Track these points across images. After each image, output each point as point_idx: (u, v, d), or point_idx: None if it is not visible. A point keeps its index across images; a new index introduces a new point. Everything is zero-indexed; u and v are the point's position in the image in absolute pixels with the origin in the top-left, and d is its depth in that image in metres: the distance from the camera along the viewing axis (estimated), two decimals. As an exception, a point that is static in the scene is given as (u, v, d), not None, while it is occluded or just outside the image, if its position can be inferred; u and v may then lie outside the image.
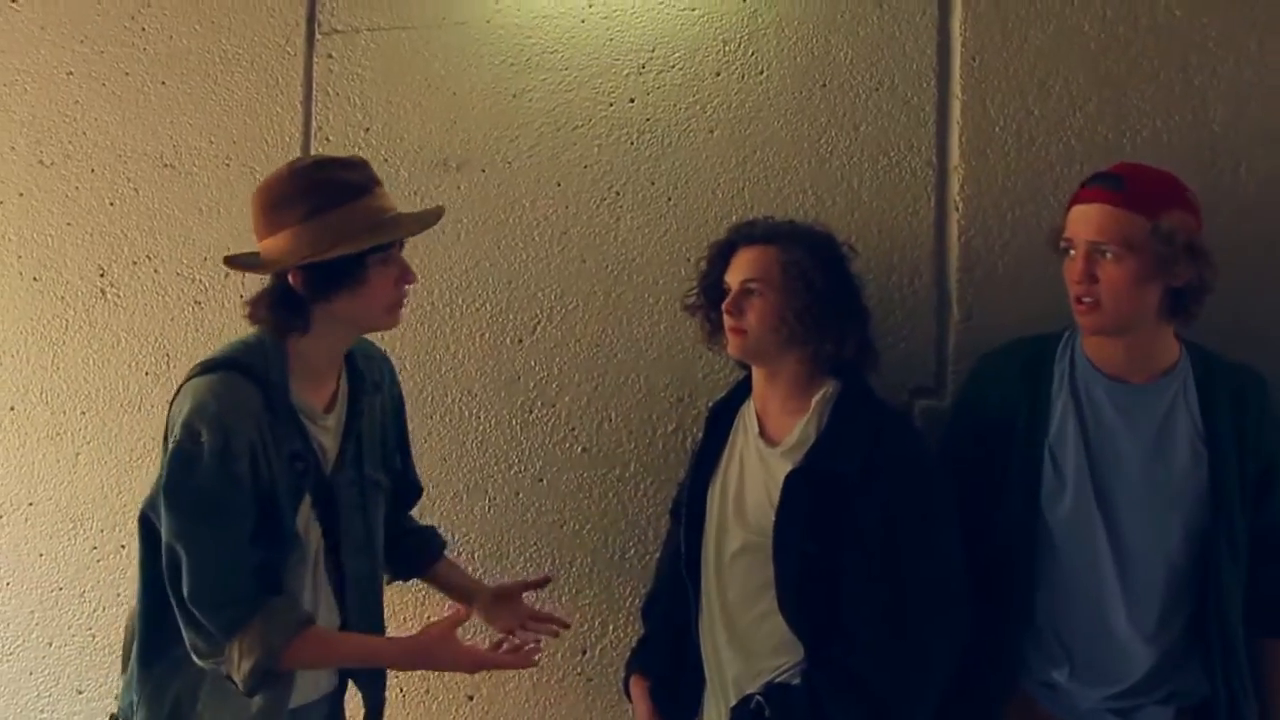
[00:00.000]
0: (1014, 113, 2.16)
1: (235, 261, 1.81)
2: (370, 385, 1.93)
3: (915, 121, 2.22)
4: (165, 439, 1.71)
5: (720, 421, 2.04)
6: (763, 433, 1.95)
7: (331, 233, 1.69)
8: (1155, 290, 1.75)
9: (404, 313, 1.83)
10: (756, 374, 2.00)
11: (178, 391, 1.73)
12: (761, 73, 2.30)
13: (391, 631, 2.43)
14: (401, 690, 2.49)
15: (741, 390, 2.05)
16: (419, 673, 2.48)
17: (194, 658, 1.70)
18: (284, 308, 1.74)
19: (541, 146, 2.43)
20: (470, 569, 2.44)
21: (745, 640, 1.89)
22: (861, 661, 1.76)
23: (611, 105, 2.39)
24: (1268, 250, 2.04)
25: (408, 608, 2.49)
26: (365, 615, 1.89)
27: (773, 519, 1.84)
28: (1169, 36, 2.10)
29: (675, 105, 2.35)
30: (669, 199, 2.34)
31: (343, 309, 1.75)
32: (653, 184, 2.36)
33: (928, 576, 1.77)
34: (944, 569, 1.78)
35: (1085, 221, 1.76)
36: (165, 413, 1.76)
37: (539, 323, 2.42)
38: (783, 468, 1.87)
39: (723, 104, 2.32)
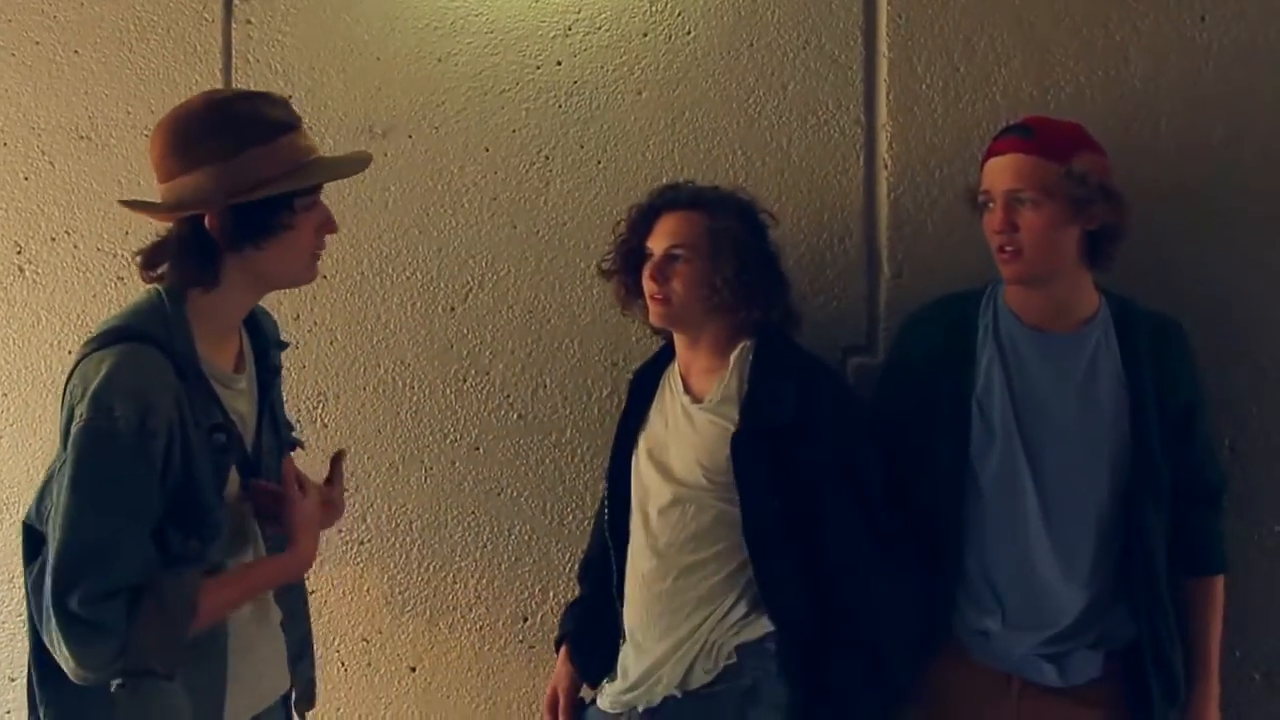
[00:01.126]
0: (940, 70, 2.17)
1: (141, 205, 1.61)
2: (275, 341, 1.79)
3: (843, 80, 2.22)
4: (65, 425, 1.49)
5: (643, 386, 2.06)
6: (688, 390, 1.98)
7: (258, 171, 1.51)
8: (1073, 234, 1.80)
9: (319, 267, 1.68)
10: (678, 339, 2.01)
11: (73, 369, 1.52)
12: (689, 33, 2.29)
13: (334, 605, 2.43)
14: (343, 664, 2.47)
15: (664, 355, 2.07)
16: (360, 646, 2.47)
17: (88, 680, 1.46)
18: (194, 256, 1.54)
19: (468, 111, 2.39)
20: (409, 539, 2.43)
21: (669, 595, 1.92)
22: (851, 603, 1.84)
23: (538, 68, 2.36)
24: (1186, 201, 2.08)
25: (346, 581, 2.46)
26: (289, 585, 1.79)
27: (705, 475, 1.89)
28: (1090, -8, 2.12)
29: (603, 67, 2.33)
30: (599, 162, 2.33)
31: (261, 260, 1.57)
32: (582, 147, 2.34)
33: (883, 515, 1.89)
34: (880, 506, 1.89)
35: (1001, 172, 1.80)
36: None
37: (470, 290, 2.40)
38: (707, 421, 1.92)
39: (650, 65, 2.30)
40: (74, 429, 1.46)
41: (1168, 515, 1.87)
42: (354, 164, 1.68)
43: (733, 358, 1.95)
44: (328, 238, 1.66)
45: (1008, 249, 1.79)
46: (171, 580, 1.49)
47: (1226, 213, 2.06)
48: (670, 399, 2.01)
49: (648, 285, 1.95)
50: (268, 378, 1.75)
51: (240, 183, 1.51)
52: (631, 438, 2.03)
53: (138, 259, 1.60)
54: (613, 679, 1.99)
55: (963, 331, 1.91)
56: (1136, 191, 1.93)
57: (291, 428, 1.93)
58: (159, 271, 1.58)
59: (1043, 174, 1.76)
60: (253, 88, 2.48)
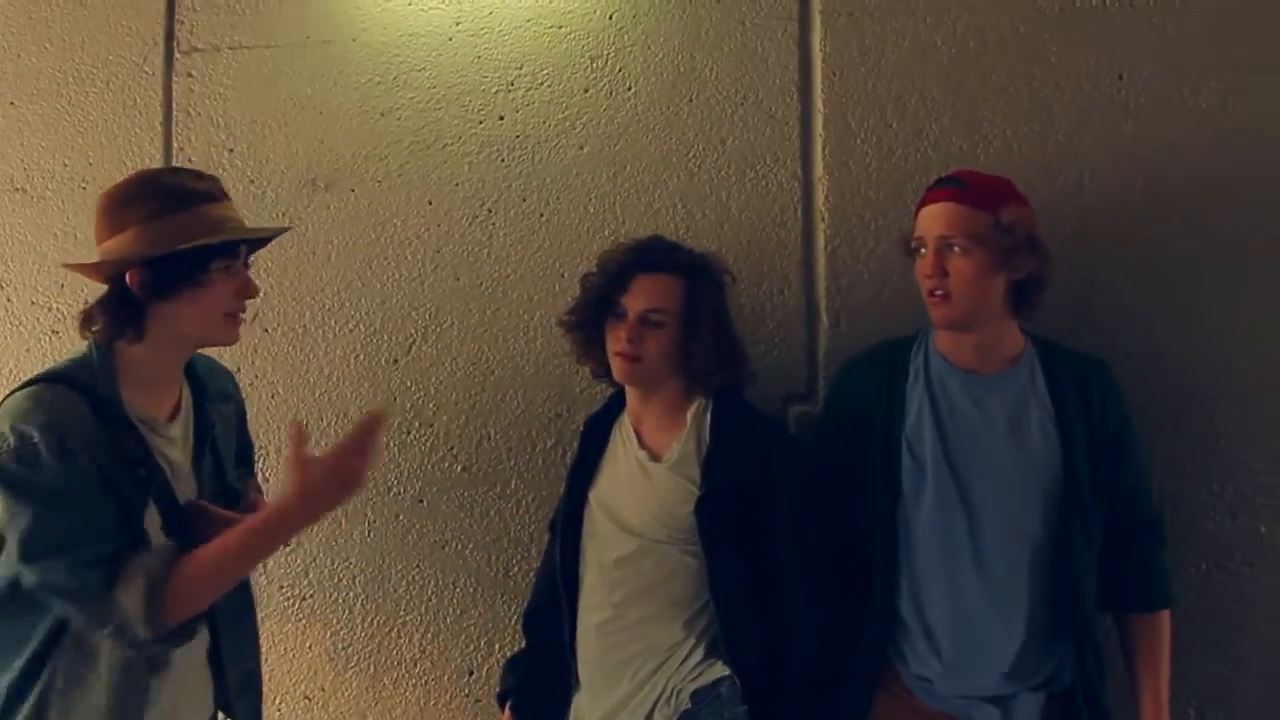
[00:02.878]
0: (874, 125, 2.24)
1: (75, 267, 1.74)
2: (217, 394, 1.88)
3: (780, 135, 2.27)
4: None
5: (595, 435, 2.07)
6: (643, 445, 2.00)
7: (175, 232, 1.65)
8: (1000, 282, 1.86)
9: (242, 330, 1.78)
10: (632, 392, 2.03)
11: None
12: (629, 89, 2.33)
13: (275, 663, 2.39)
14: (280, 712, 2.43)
15: (616, 404, 2.08)
16: (302, 704, 2.43)
17: (87, 636, 1.62)
18: (118, 310, 1.67)
19: (411, 165, 2.41)
20: (352, 594, 2.41)
21: (625, 643, 1.93)
22: (800, 648, 1.89)
23: (481, 123, 2.39)
24: (1109, 249, 2.15)
25: (288, 638, 2.43)
26: (235, 621, 1.84)
27: (664, 530, 1.92)
28: (1015, 52, 2.20)
29: (545, 122, 2.36)
30: (541, 215, 2.35)
31: (179, 315, 1.69)
32: (524, 201, 2.36)
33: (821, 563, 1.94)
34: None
35: (934, 219, 1.86)
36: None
37: (414, 342, 2.40)
38: (667, 479, 1.95)
39: (592, 120, 2.34)
40: (1, 461, 1.57)
41: (1098, 553, 1.90)
42: (267, 230, 1.82)
43: (690, 416, 1.98)
44: (261, 289, 1.79)
45: (937, 293, 1.86)
46: (145, 553, 1.61)
47: (1150, 260, 2.14)
48: (624, 451, 2.02)
49: (619, 344, 1.95)
50: (204, 430, 1.81)
51: (158, 241, 1.65)
52: (584, 487, 2.03)
53: (78, 316, 1.71)
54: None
55: (895, 376, 1.96)
56: (1063, 240, 2.01)
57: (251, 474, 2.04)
58: (93, 328, 1.69)
59: (973, 223, 1.83)
60: (194, 140, 2.49)
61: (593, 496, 2.01)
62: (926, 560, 1.88)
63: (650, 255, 1.99)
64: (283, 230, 1.86)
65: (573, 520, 2.02)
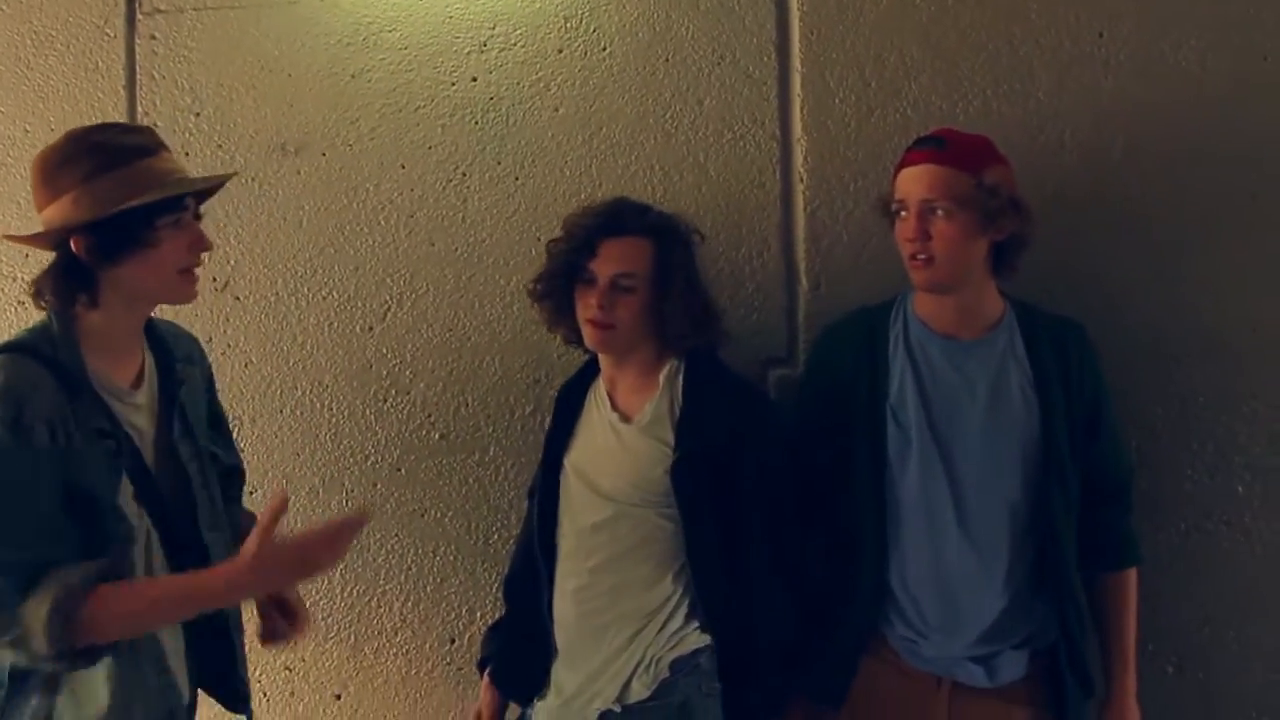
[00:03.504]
0: (852, 84, 2.21)
1: (19, 238, 1.70)
2: (182, 357, 1.83)
3: (758, 95, 2.24)
4: None
5: (570, 401, 2.05)
6: (615, 408, 1.99)
7: (115, 191, 1.59)
8: (982, 244, 1.85)
9: (198, 287, 1.72)
10: (604, 357, 2.01)
11: None
12: (604, 49, 2.29)
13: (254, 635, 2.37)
14: (265, 694, 2.41)
15: (590, 369, 2.06)
16: (282, 675, 2.42)
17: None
18: (68, 278, 1.62)
19: (383, 128, 2.36)
20: (330, 565, 2.39)
21: (602, 610, 1.92)
22: (767, 612, 1.90)
23: (454, 84, 2.34)
24: (1091, 209, 2.14)
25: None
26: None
27: (638, 493, 1.90)
28: (994, 9, 2.17)
29: (519, 83, 2.32)
30: (516, 178, 2.31)
31: (131, 277, 1.64)
32: (499, 164, 2.32)
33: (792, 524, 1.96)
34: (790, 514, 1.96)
35: (915, 181, 1.83)
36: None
37: (389, 309, 2.37)
38: (640, 441, 1.93)
39: (567, 81, 2.30)
40: None
41: (1075, 513, 1.91)
42: (211, 180, 1.76)
43: (662, 377, 1.96)
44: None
45: (920, 256, 1.83)
46: (70, 568, 1.52)
47: (1129, 220, 2.13)
48: (597, 415, 2.01)
49: (590, 310, 1.92)
50: (172, 390, 1.78)
51: (96, 204, 1.59)
52: (559, 454, 2.02)
53: (29, 288, 1.66)
54: (543, 697, 1.97)
55: (875, 342, 1.94)
56: (1043, 200, 2.00)
57: (240, 469, 2.02)
58: (46, 299, 1.65)
59: (956, 185, 1.80)
60: (158, 105, 2.44)
61: (568, 463, 2.00)
62: (912, 526, 1.88)
63: (617, 219, 1.94)
64: (227, 178, 1.79)
65: (550, 487, 2.00)
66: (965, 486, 1.86)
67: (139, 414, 1.71)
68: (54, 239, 1.62)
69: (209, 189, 1.76)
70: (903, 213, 1.86)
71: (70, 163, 1.61)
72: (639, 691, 1.89)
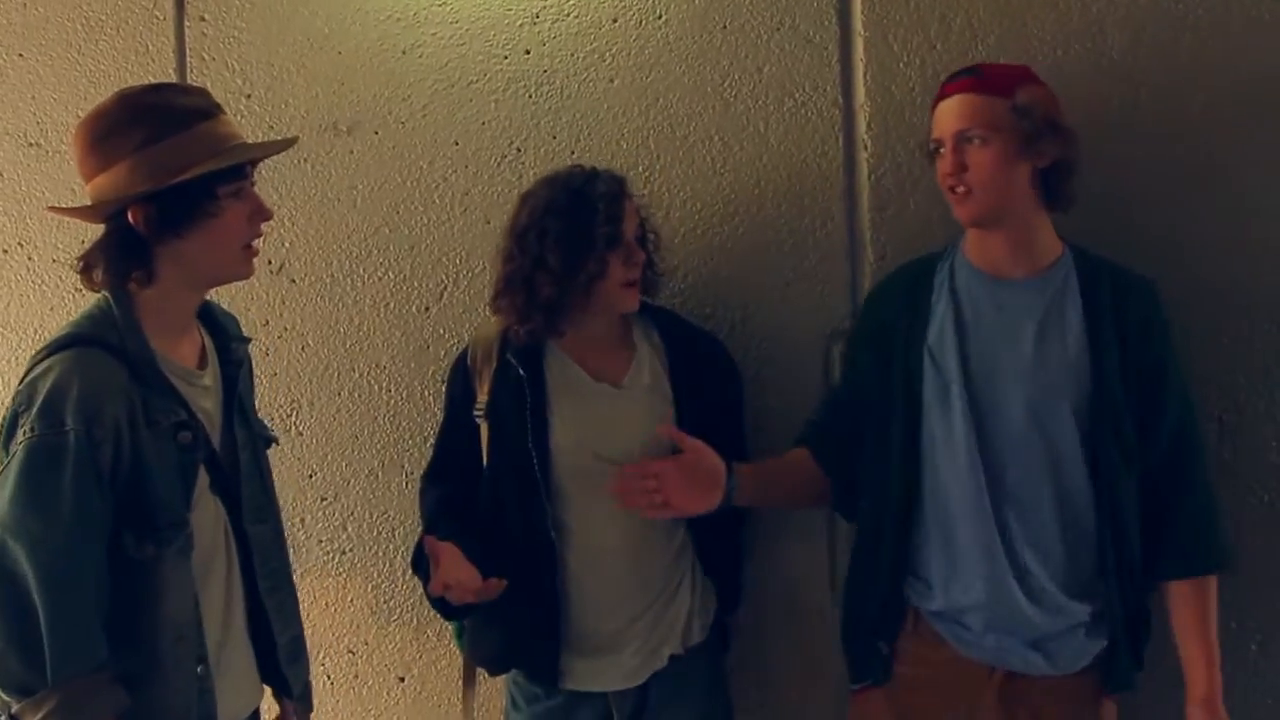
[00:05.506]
0: (917, 48, 2.14)
1: (69, 210, 1.61)
2: (235, 335, 1.76)
3: (819, 61, 2.18)
4: (5, 438, 1.48)
5: (534, 371, 1.96)
6: (591, 373, 1.96)
7: (176, 158, 1.49)
8: (1024, 171, 1.75)
9: (268, 279, 1.68)
10: (577, 320, 1.94)
11: (23, 378, 1.51)
12: (660, 17, 2.23)
13: (317, 618, 2.37)
14: (329, 677, 2.42)
15: (532, 342, 1.96)
16: (346, 658, 2.42)
17: None
18: (124, 253, 1.53)
19: (436, 104, 2.33)
20: (391, 547, 2.38)
21: (643, 564, 1.96)
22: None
23: (506, 58, 2.30)
24: (1161, 170, 2.05)
25: (329, 593, 2.41)
26: (275, 584, 1.74)
27: (644, 455, 1.90)
28: (1065, -36, 2.09)
29: (573, 55, 2.27)
30: (572, 153, 2.27)
31: (192, 251, 1.54)
32: (554, 138, 2.28)
33: None
34: None
35: (948, 114, 1.77)
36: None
37: (445, 288, 2.34)
38: (639, 404, 1.95)
39: (622, 51, 2.25)
40: (23, 441, 1.44)
41: (1137, 486, 1.77)
42: (274, 145, 1.67)
43: (636, 336, 2.00)
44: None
45: (958, 189, 1.76)
46: (110, 685, 1.45)
47: (1208, 180, 2.04)
48: (571, 383, 1.95)
49: (633, 270, 1.92)
50: (232, 371, 1.71)
51: (156, 172, 1.49)
52: (543, 429, 1.94)
53: (76, 264, 1.58)
54: (559, 676, 1.95)
55: (918, 289, 1.86)
56: (1118, 162, 1.93)
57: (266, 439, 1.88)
58: (96, 276, 1.57)
59: (989, 110, 1.73)
60: (209, 87, 2.36)
61: (560, 438, 1.93)
62: (950, 477, 1.78)
63: (615, 180, 1.93)
64: (290, 142, 1.71)
65: (536, 464, 1.92)
66: (1004, 434, 1.75)
67: (206, 397, 1.65)
68: (107, 211, 1.53)
69: (272, 152, 1.69)
70: (940, 150, 1.78)
71: (124, 128, 1.51)
72: (697, 635, 1.99)
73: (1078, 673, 1.79)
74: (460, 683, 2.29)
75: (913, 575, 1.84)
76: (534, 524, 1.93)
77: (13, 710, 1.42)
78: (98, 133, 1.53)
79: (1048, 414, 1.75)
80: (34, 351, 1.54)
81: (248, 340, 1.82)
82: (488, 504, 1.97)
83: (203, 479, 1.60)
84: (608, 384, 1.96)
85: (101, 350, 1.50)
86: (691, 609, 1.99)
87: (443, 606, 1.89)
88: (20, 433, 1.45)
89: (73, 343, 1.50)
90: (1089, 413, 1.74)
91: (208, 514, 1.62)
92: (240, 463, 1.69)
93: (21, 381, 1.51)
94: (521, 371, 1.94)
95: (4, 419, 1.49)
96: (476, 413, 1.98)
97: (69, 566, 1.43)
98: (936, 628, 1.83)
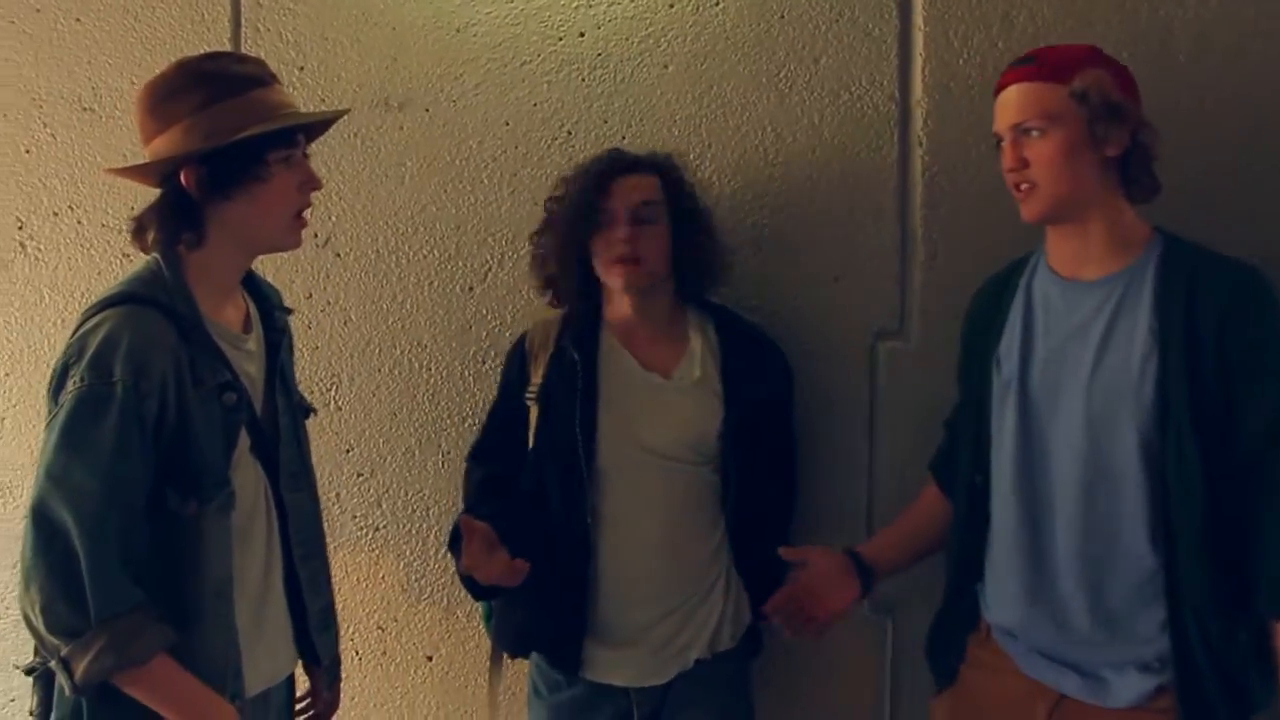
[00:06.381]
0: (978, 45, 2.10)
1: (126, 171, 1.64)
2: (278, 304, 1.80)
3: (877, 54, 2.14)
4: (57, 381, 1.52)
5: (588, 357, 1.96)
6: (643, 362, 1.96)
7: (229, 120, 1.54)
8: (1092, 161, 1.63)
9: (311, 248, 1.69)
10: (625, 304, 1.97)
11: (73, 334, 1.54)
12: (717, 4, 2.21)
13: (348, 593, 2.37)
14: (358, 653, 2.42)
15: (592, 319, 2.00)
16: (375, 634, 2.42)
17: (39, 628, 1.47)
18: (175, 214, 1.58)
19: (488, 84, 2.31)
20: (425, 525, 2.38)
21: (674, 563, 1.93)
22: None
23: (561, 39, 2.28)
24: (1230, 175, 1.99)
25: (361, 569, 2.41)
26: (309, 552, 1.77)
27: (689, 449, 1.92)
28: (1134, -36, 2.04)
29: (627, 39, 2.25)
30: (623, 137, 2.24)
31: (241, 216, 1.59)
32: (606, 122, 2.26)
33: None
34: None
35: (1005, 107, 1.68)
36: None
37: (490, 269, 2.33)
38: (688, 399, 1.94)
39: (677, 37, 2.22)
40: (72, 391, 1.48)
41: (1201, 502, 1.56)
42: (325, 115, 1.71)
43: (691, 329, 1.99)
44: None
45: (1022, 186, 1.67)
46: (155, 621, 1.49)
47: (1274, 194, 2.00)
48: (620, 370, 1.96)
49: (617, 246, 1.89)
50: (275, 338, 1.75)
51: (209, 134, 1.54)
52: (591, 416, 1.93)
53: (129, 225, 1.62)
54: (581, 665, 1.94)
55: (1006, 293, 1.79)
56: (1181, 165, 1.85)
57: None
58: (148, 238, 1.61)
59: (1046, 99, 1.62)
60: (263, 58, 2.40)
61: (606, 424, 1.93)
62: (996, 489, 1.72)
63: (622, 159, 1.96)
64: (340, 114, 1.76)
65: (581, 448, 1.91)
66: (1055, 447, 1.64)
67: (250, 361, 1.68)
68: (162, 171, 1.58)
69: (321, 125, 1.71)
70: (1001, 145, 1.70)
71: (181, 92, 1.57)
72: (726, 642, 1.96)
73: (1151, 711, 1.61)
74: (487, 665, 2.30)
75: (981, 584, 1.79)
76: (572, 509, 1.92)
77: (63, 653, 1.46)
78: (156, 97, 1.59)
79: (1103, 427, 1.61)
80: (83, 309, 1.58)
81: (290, 311, 1.86)
82: (529, 487, 1.97)
83: (244, 441, 1.63)
84: (657, 374, 1.96)
85: (152, 308, 1.54)
86: (723, 614, 1.96)
87: (472, 586, 1.90)
88: (70, 383, 1.49)
89: (124, 300, 1.54)
90: (1154, 425, 1.58)
91: (249, 476, 1.65)
92: (280, 428, 1.72)
93: (73, 335, 1.54)
94: (575, 356, 1.94)
95: (54, 371, 1.53)
96: (529, 396, 1.99)
97: (107, 514, 1.46)
98: (995, 639, 1.77)
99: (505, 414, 2.05)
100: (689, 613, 1.94)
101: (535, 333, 2.04)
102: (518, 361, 2.05)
